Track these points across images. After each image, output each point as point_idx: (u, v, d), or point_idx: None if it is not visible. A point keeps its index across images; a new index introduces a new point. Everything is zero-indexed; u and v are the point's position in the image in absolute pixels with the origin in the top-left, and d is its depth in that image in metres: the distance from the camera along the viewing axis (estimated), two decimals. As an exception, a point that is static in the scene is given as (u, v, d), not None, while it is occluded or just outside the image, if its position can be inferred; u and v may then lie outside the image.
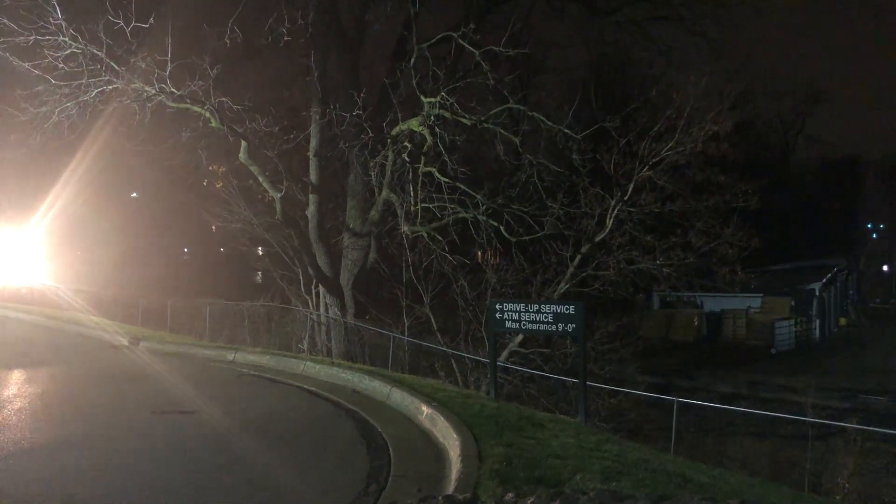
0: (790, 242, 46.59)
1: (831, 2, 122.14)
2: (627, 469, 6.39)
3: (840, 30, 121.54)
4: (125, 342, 17.99)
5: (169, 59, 15.55)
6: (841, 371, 28.33)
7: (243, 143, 17.67)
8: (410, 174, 17.70)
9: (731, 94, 18.97)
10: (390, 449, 7.61)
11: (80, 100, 15.31)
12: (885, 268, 62.55)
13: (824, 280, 39.95)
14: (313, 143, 19.59)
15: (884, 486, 12.35)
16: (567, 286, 18.45)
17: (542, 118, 16.79)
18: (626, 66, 33.50)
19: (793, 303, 37.60)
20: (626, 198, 17.88)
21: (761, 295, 36.62)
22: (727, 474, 9.03)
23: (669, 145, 17.35)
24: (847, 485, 12.60)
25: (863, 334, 40.61)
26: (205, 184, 26.94)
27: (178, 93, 16.02)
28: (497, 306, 10.13)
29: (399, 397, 9.96)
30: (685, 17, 21.51)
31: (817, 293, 38.71)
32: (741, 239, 17.70)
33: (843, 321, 43.71)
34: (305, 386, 11.72)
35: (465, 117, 16.62)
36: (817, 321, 38.35)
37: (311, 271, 19.90)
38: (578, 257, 18.39)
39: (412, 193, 17.32)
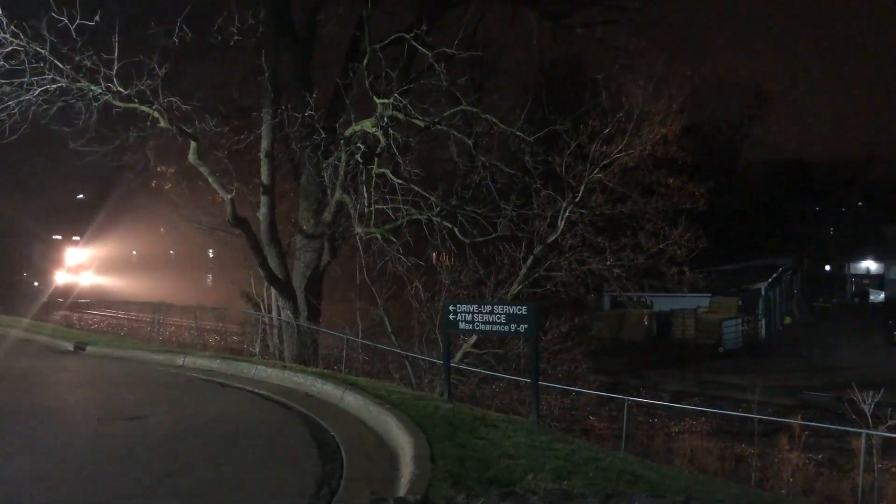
0: (738, 243, 47.65)
1: (780, 8, 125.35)
2: (578, 468, 6.46)
3: (788, 35, 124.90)
4: (70, 347, 17.55)
5: (116, 57, 15.19)
6: (786, 369, 29.09)
7: (193, 144, 17.39)
8: (364, 175, 17.61)
9: (679, 97, 19.36)
10: (343, 452, 7.57)
11: (21, 99, 14.87)
12: (827, 267, 64.44)
13: (770, 280, 40.98)
14: (265, 143, 19.37)
15: (824, 480, 12.71)
16: (520, 287, 18.60)
17: (495, 120, 16.87)
18: (577, 69, 33.95)
19: (740, 302, 38.49)
20: (577, 199, 18.11)
21: (710, 295, 37.39)
22: (676, 471, 9.21)
23: (619, 148, 17.65)
24: (791, 479, 12.93)
25: (807, 332, 41.79)
26: (153, 185, 26.46)
27: (126, 92, 15.68)
28: (450, 307, 10.16)
29: (352, 400, 9.91)
30: (636, 21, 21.89)
31: (763, 293, 39.69)
32: (689, 240, 18.09)
33: (788, 320, 44.90)
34: (257, 390, 11.59)
35: (418, 119, 16.62)
36: (763, 320, 39.31)
37: (262, 273, 19.67)
38: (531, 258, 18.56)
39: (366, 195, 17.23)
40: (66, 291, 36.38)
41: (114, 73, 15.31)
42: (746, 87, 62.63)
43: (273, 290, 20.44)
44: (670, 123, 18.33)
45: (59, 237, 46.77)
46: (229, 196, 18.11)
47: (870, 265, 62.73)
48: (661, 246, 18.32)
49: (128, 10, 15.90)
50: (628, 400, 14.88)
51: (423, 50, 16.49)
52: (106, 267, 37.73)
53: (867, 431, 11.60)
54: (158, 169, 21.57)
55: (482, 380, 19.25)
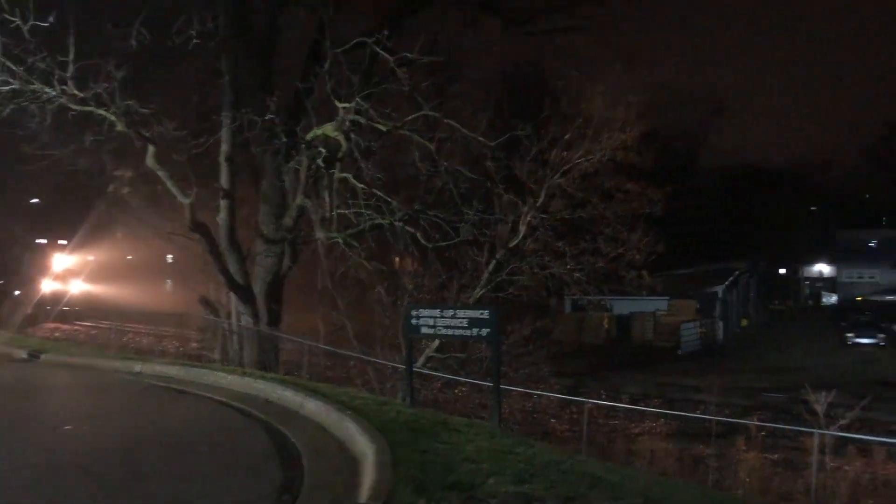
0: (695, 247, 48.44)
1: (738, 17, 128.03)
2: (539, 471, 6.51)
3: (745, 43, 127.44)
4: (24, 355, 17.16)
5: (71, 59, 14.92)
6: (743, 370, 29.64)
7: (151, 148, 17.14)
8: (326, 180, 17.54)
9: (637, 103, 19.65)
10: (304, 459, 7.52)
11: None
12: (782, 271, 65.86)
13: (727, 283, 41.74)
14: (224, 147, 19.15)
15: (780, 480, 12.97)
16: (483, 291, 18.70)
17: (457, 125, 16.94)
18: (539, 75, 34.22)
19: (698, 305, 39.11)
20: (538, 204, 18.28)
21: (668, 298, 37.94)
22: (636, 473, 9.34)
23: (579, 153, 17.86)
24: (748, 479, 13.15)
25: (763, 334, 42.66)
26: (110, 189, 25.96)
27: (82, 95, 15.40)
28: (413, 312, 10.17)
29: (313, 406, 9.85)
30: (594, 28, 22.16)
31: (720, 296, 40.40)
32: (648, 244, 18.37)
33: (744, 322, 45.76)
34: (216, 397, 11.46)
35: (380, 123, 16.61)
36: (721, 322, 40.01)
37: (222, 279, 19.44)
38: (493, 263, 18.67)
39: (327, 199, 17.15)
40: (54, 300, 34.02)
41: (69, 75, 15.03)
42: (703, 94, 63.94)
43: (233, 296, 20.21)
44: (629, 130, 18.61)
45: (44, 241, 43.23)
46: (188, 201, 17.88)
47: (823, 269, 64.37)
48: (620, 250, 18.58)
49: (84, 11, 15.59)
50: (589, 402, 15.05)
51: (385, 55, 16.50)
52: (94, 273, 35.67)
53: (820, 431, 11.88)
54: (115, 173, 21.17)
55: (445, 384, 19.29)
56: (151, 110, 16.60)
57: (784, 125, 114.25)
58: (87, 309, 34.30)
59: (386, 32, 16.78)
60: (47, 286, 33.90)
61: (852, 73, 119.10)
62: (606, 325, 39.41)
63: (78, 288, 34.62)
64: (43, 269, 34.23)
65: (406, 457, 6.75)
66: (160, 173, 17.83)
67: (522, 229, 18.32)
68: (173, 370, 13.99)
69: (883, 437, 16.53)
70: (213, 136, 18.89)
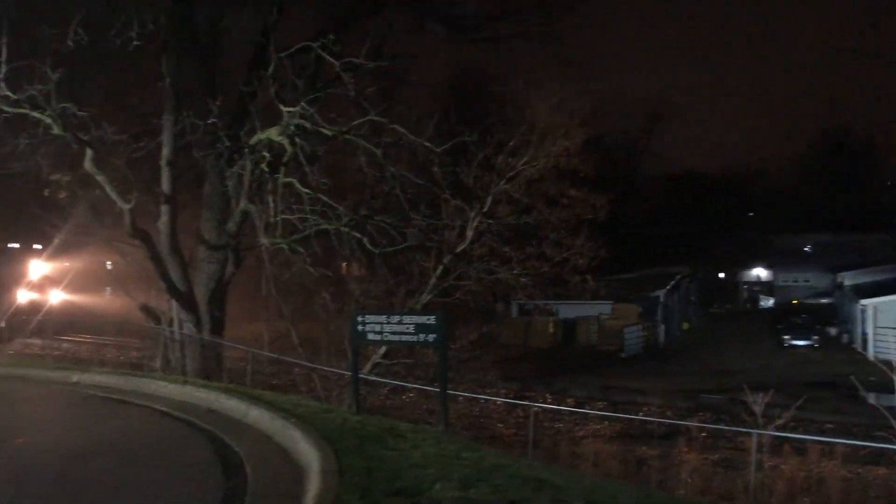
0: (638, 252, 49.33)
1: (679, 27, 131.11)
2: (485, 476, 6.54)
3: (685, 54, 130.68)
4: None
5: (3, 60, 14.44)
6: (684, 372, 30.24)
7: (89, 152, 16.69)
8: (270, 185, 17.33)
9: (581, 110, 19.94)
10: (247, 468, 7.41)
11: None
12: (721, 275, 67.56)
13: (668, 287, 42.56)
14: (165, 151, 18.76)
15: (720, 479, 13.26)
16: (430, 296, 18.71)
17: (404, 131, 16.93)
18: (484, 82, 34.48)
19: (640, 309, 39.76)
20: (485, 210, 18.38)
21: (612, 302, 38.47)
22: (581, 476, 9.46)
23: (525, 160, 18.03)
24: (689, 479, 13.41)
25: (703, 337, 43.64)
26: (46, 194, 25.13)
27: (15, 97, 14.92)
28: (359, 318, 10.10)
29: (257, 415, 9.72)
30: (539, 36, 22.41)
31: (662, 300, 41.17)
32: (591, 249, 18.66)
33: (686, 325, 46.73)
34: (157, 406, 11.21)
35: (325, 128, 16.50)
36: (663, 326, 40.78)
37: (163, 286, 19.03)
38: (441, 268, 18.70)
39: (272, 204, 16.95)
40: (31, 312, 29.81)
41: (1, 76, 14.55)
42: (645, 102, 65.26)
43: (175, 303, 19.80)
44: (572, 137, 18.87)
45: (17, 245, 38.58)
46: (128, 206, 17.47)
47: (760, 273, 66.17)
48: (564, 255, 18.81)
49: (17, 10, 15.11)
50: (535, 406, 15.21)
51: (330, 59, 16.41)
52: (75, 282, 31.22)
53: (758, 431, 12.20)
54: (52, 177, 20.52)
55: (392, 390, 19.23)
56: (89, 113, 16.18)
57: (723, 133, 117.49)
58: (67, 321, 30.94)
59: (332, 37, 16.70)
60: (23, 296, 29.72)
61: (788, 83, 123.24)
62: (552, 330, 39.80)
63: (58, 298, 30.30)
64: (17, 277, 30.04)
65: (351, 464, 6.71)
66: (99, 178, 17.39)
67: (469, 234, 18.40)
68: (113, 379, 13.66)
69: (817, 435, 17.08)
70: (154, 139, 18.51)
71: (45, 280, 29.38)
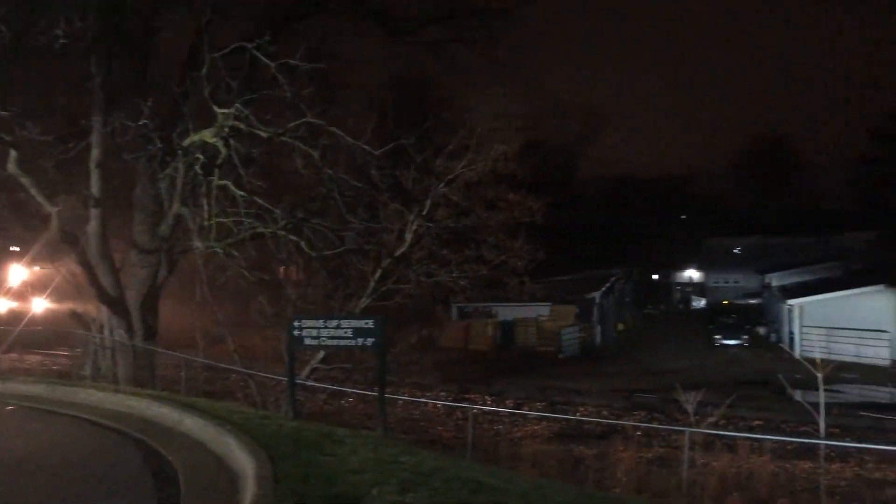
0: (574, 254, 50.11)
1: (615, 33, 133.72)
2: (424, 479, 6.52)
3: (621, 60, 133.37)
4: None
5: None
6: (620, 373, 30.81)
7: (13, 153, 16.09)
8: (204, 187, 16.98)
9: (519, 115, 20.14)
10: (181, 478, 7.24)
11: None
12: (655, 276, 69.18)
13: (604, 289, 43.30)
14: (95, 153, 18.20)
15: (655, 477, 13.53)
16: (369, 300, 18.57)
17: (341, 133, 16.81)
18: (423, 85, 34.51)
19: (577, 310, 40.35)
20: (424, 213, 18.35)
21: (549, 304, 38.95)
22: (519, 477, 9.52)
23: (463, 163, 18.07)
24: (625, 478, 13.64)
25: (638, 338, 44.57)
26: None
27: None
28: (295, 323, 9.99)
29: (191, 423, 9.50)
30: (477, 41, 22.54)
31: (598, 301, 41.85)
32: (529, 252, 18.82)
33: (621, 326, 47.64)
34: (86, 416, 10.87)
35: (261, 129, 16.26)
36: (599, 327, 41.47)
37: (93, 291, 18.45)
38: (379, 271, 18.59)
39: (206, 207, 16.61)
40: (11, 322, 25.76)
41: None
42: (582, 107, 66.29)
43: (106, 309, 19.21)
44: (510, 141, 19.02)
45: None
46: (55, 209, 16.90)
47: (692, 274, 68.06)
48: (503, 258, 18.94)
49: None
50: (474, 408, 15.26)
51: (266, 60, 16.18)
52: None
53: (690, 429, 12.51)
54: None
55: (331, 395, 19.05)
56: (13, 112, 15.60)
57: (658, 138, 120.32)
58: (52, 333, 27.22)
59: (267, 38, 16.46)
60: (2, 305, 26.11)
61: (722, 90, 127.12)
62: (491, 332, 40.05)
63: (41, 306, 25.84)
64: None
65: (288, 470, 6.61)
66: (23, 180, 16.79)
67: (408, 238, 18.35)
68: (38, 389, 13.21)
69: (747, 432, 17.62)
70: (83, 141, 17.96)
71: (26, 287, 25.78)
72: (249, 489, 6.27)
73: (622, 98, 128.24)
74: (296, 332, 9.86)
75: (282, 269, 21.23)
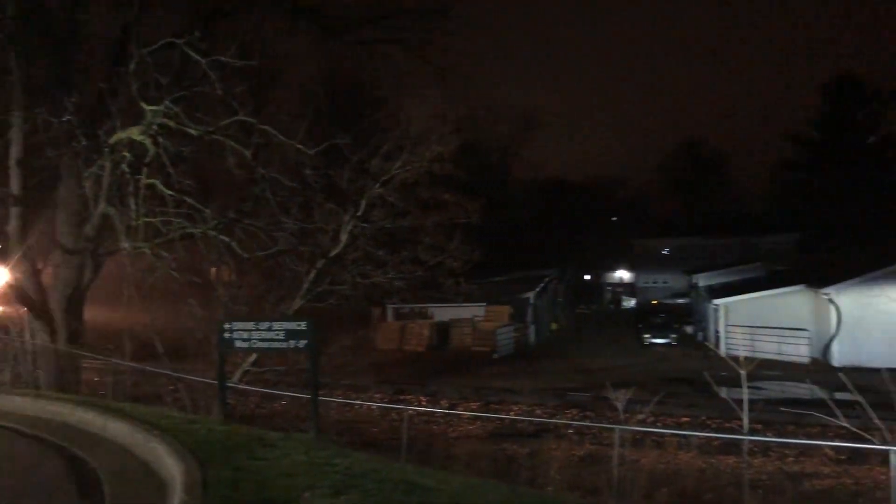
0: (509, 255, 50.65)
1: (549, 37, 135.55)
2: (356, 481, 6.51)
3: (556, 63, 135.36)
4: None
5: None
6: (553, 371, 31.23)
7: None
8: (131, 186, 16.51)
9: (454, 117, 20.26)
10: (105, 486, 7.03)
11: None
12: (587, 277, 70.50)
13: (538, 289, 43.84)
14: (15, 150, 17.51)
15: (586, 474, 13.76)
16: (303, 301, 18.39)
17: (274, 132, 16.59)
18: (358, 85, 34.37)
19: (512, 310, 40.76)
20: (359, 213, 18.28)
21: (485, 304, 39.23)
22: (452, 477, 9.56)
23: (399, 164, 18.08)
24: (558, 476, 13.85)
25: (571, 337, 45.31)
26: None
27: None
28: (226, 325, 9.82)
29: (117, 428, 9.23)
30: (412, 42, 22.57)
31: (532, 301, 42.36)
32: (464, 252, 18.96)
33: (554, 326, 48.33)
34: (5, 423, 10.42)
35: (191, 127, 15.90)
36: (533, 326, 41.97)
37: (12, 293, 17.74)
38: (314, 273, 18.42)
39: (133, 207, 16.16)
40: None
41: None
42: (517, 110, 67.04)
43: (27, 312, 18.49)
44: (446, 142, 19.11)
45: None
46: (-30, 209, 16.17)
47: (623, 275, 69.61)
48: (439, 258, 19.02)
49: None
50: (409, 409, 15.27)
51: (196, 56, 15.84)
52: None
53: (620, 427, 12.75)
54: None
55: (264, 398, 18.76)
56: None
57: (591, 142, 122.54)
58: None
59: (198, 34, 16.12)
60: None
61: (651, 94, 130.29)
62: (427, 332, 40.12)
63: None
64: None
65: (217, 476, 6.50)
66: (-66, 178, 16.01)
67: (343, 238, 18.24)
68: (-49, 396, 12.57)
69: (675, 429, 18.12)
70: (2, 137, 17.26)
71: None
72: (177, 496, 6.14)
73: (556, 102, 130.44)
74: (226, 335, 9.70)
75: (213, 270, 20.84)
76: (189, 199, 16.23)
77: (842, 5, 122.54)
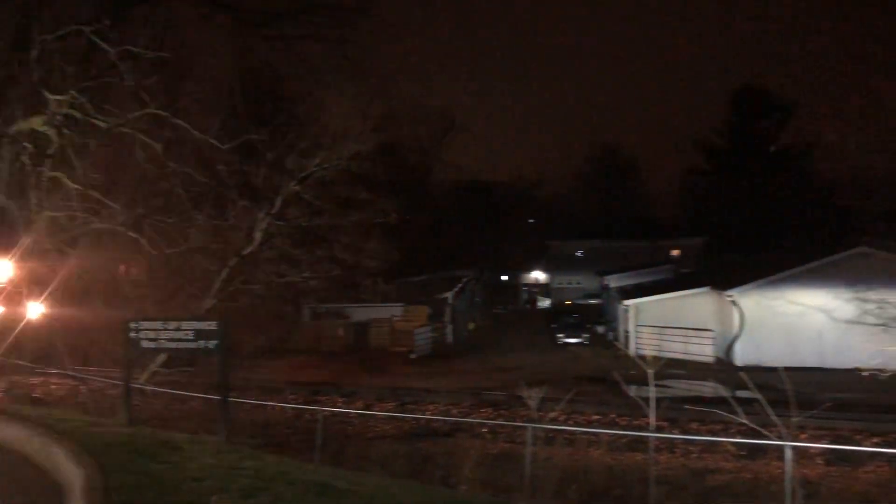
0: (429, 255, 50.74)
1: (470, 39, 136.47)
2: (267, 484, 6.40)
3: (477, 65, 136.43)
4: None
5: None
6: (470, 371, 31.42)
7: None
8: (33, 178, 15.78)
9: (373, 116, 20.15)
10: (-3, 493, 6.67)
11: None
12: (504, 277, 71.43)
13: (456, 289, 44.08)
14: None
15: (500, 473, 13.90)
16: (214, 301, 17.96)
17: (187, 126, 16.17)
18: (276, 80, 33.72)
19: (430, 311, 40.84)
20: (274, 211, 18.00)
21: (403, 304, 39.17)
22: (366, 478, 9.50)
23: (316, 161, 17.89)
24: (471, 475, 13.95)
25: (488, 337, 45.74)
26: None
27: None
28: (132, 325, 9.49)
29: (13, 433, 8.77)
30: (330, 39, 22.38)
31: (450, 301, 42.55)
32: (382, 252, 18.92)
33: (472, 325, 48.69)
34: None
35: (99, 119, 15.34)
36: (450, 326, 42.14)
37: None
38: (226, 271, 18.02)
39: (34, 200, 15.44)
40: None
41: None
42: (438, 111, 67.04)
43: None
44: (365, 141, 19.02)
45: None
46: None
47: (538, 276, 70.80)
48: (356, 258, 18.92)
49: None
50: (323, 410, 15.05)
51: (105, 46, 15.28)
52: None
53: (532, 425, 12.95)
54: None
55: (173, 400, 18.17)
56: None
57: (511, 144, 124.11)
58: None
59: (107, 22, 15.55)
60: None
61: (570, 101, 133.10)
62: (343, 333, 39.76)
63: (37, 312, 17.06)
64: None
65: (121, 481, 6.26)
66: None
67: (257, 236, 17.91)
68: None
69: (585, 427, 18.51)
70: None
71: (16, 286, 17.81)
72: (77, 502, 5.89)
73: (479, 105, 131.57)
74: (132, 335, 9.39)
75: (122, 267, 20.11)
76: (96, 194, 15.64)
77: (754, 19, 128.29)
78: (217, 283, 17.80)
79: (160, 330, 9.24)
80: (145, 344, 9.42)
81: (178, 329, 9.18)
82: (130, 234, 16.13)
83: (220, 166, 17.00)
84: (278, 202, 18.05)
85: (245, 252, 17.85)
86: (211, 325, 9.13)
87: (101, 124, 15.67)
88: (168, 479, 6.40)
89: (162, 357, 16.50)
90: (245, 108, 19.17)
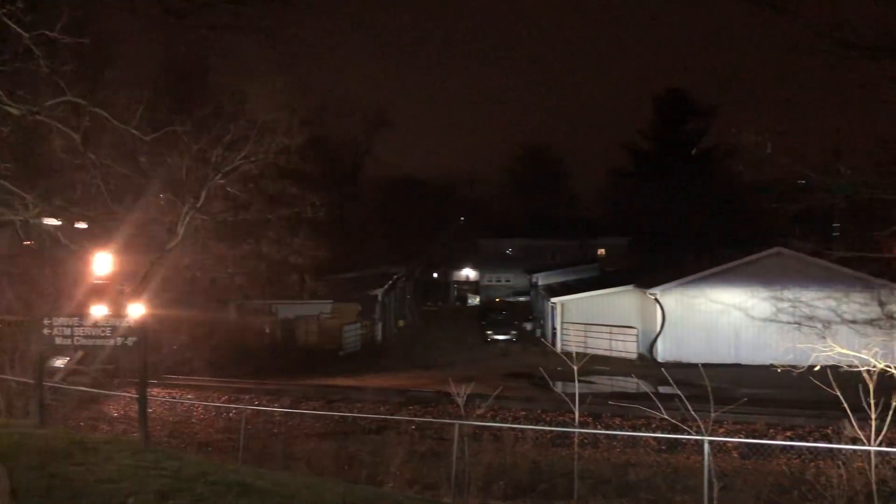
0: (359, 252, 50.43)
1: (400, 36, 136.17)
2: (186, 485, 6.25)
3: (409, 62, 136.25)
4: None
5: None
6: (399, 368, 31.42)
7: None
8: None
9: (303, 109, 19.91)
10: None
11: None
12: (434, 275, 71.61)
13: (386, 286, 43.99)
14: None
15: (427, 469, 13.91)
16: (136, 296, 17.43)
17: (107, 115, 15.59)
18: (201, 71, 32.90)
19: (360, 308, 40.63)
20: (198, 205, 17.57)
21: (331, 301, 38.86)
22: (290, 477, 9.38)
23: (243, 154, 17.55)
24: (398, 472, 13.93)
25: (418, 334, 45.80)
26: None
27: None
28: (45, 321, 9.12)
29: (-88, 435, 8.32)
30: (258, 30, 21.92)
31: (380, 298, 42.44)
32: (311, 248, 18.70)
33: (401, 323, 48.69)
34: None
35: (11, 106, 14.63)
36: (380, 324, 42.05)
37: None
38: (149, 266, 17.50)
39: (-61, 190, 14.68)
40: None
41: None
42: (370, 106, 66.67)
43: None
44: (293, 135, 18.76)
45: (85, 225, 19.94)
46: None
47: (469, 273, 71.24)
48: (283, 254, 18.65)
49: None
50: (248, 409, 14.82)
51: (18, 29, 14.58)
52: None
53: (459, 422, 13.02)
54: None
55: (91, 399, 17.57)
56: None
57: (441, 141, 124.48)
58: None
59: (21, 4, 14.84)
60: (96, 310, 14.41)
61: (499, 100, 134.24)
62: (270, 330, 39.18)
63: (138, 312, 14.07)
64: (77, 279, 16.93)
65: (30, 483, 6.02)
66: None
67: (181, 231, 17.45)
68: None
69: (512, 423, 18.72)
70: None
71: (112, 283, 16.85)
72: (-20, 507, 5.62)
73: (410, 103, 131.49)
74: (45, 331, 9.01)
75: (33, 261, 19.29)
76: (7, 184, 14.94)
77: (678, 27, 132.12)
78: (138, 278, 17.27)
79: (76, 326, 8.91)
80: (60, 341, 9.07)
81: (94, 325, 8.87)
82: (47, 226, 15.48)
83: (142, 158, 16.48)
84: (203, 195, 17.62)
85: (168, 247, 17.38)
86: (129, 321, 8.84)
87: (14, 111, 14.95)
88: (81, 481, 6.18)
89: (80, 354, 15.93)
90: (170, 99, 18.63)
